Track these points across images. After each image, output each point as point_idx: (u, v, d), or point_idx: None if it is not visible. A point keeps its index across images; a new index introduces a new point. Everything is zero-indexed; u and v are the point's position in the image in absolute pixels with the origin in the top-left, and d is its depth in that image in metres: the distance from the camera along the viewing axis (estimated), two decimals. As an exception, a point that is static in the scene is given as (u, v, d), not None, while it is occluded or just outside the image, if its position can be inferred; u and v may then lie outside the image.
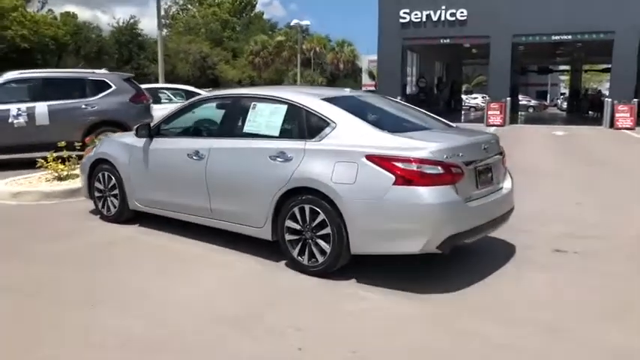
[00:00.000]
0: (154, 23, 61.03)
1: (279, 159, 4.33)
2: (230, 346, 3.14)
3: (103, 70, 10.65)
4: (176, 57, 53.01)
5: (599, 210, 6.72)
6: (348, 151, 4.03)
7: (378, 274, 4.22)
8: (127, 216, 5.72)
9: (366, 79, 48.19)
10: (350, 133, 4.15)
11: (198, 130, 5.34)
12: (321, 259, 4.14)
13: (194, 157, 4.89)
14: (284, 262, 4.45)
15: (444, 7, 22.03)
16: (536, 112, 39.44)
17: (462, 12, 21.68)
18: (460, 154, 3.97)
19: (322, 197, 4.07)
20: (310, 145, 4.25)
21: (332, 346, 3.14)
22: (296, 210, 4.23)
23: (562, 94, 56.07)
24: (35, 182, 7.58)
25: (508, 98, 21.59)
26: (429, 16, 22.35)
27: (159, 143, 5.30)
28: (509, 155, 5.17)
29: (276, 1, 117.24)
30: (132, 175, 5.52)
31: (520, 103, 38.70)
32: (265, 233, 4.48)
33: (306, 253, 4.22)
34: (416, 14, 22.51)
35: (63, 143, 7.82)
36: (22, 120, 9.22)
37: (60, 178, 7.57)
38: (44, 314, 3.55)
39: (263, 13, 72.97)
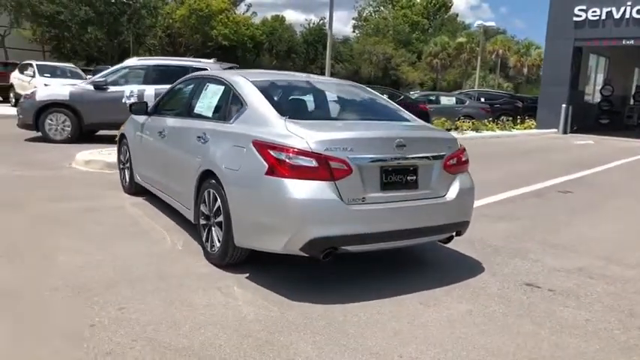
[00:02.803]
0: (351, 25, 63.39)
1: (201, 140, 4.23)
2: (48, 312, 3.16)
3: (212, 60, 11.49)
4: (360, 58, 54.60)
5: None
6: (242, 135, 3.76)
7: (283, 274, 3.90)
8: (137, 188, 6.11)
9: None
10: (254, 116, 3.87)
11: (172, 109, 5.46)
12: (217, 247, 3.95)
13: (161, 136, 5.05)
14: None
15: (629, 3, 18.83)
16: None
17: (653, 8, 18.32)
18: (349, 148, 3.40)
19: (218, 182, 3.87)
20: (224, 127, 4.07)
21: (127, 330, 2.97)
22: (205, 194, 4.09)
23: None
24: (114, 154, 8.53)
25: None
26: (609, 14, 19.34)
27: (150, 121, 5.56)
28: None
29: (485, 5, 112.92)
30: (135, 150, 5.90)
31: None
32: (190, 215, 4.42)
33: (209, 239, 4.06)
34: (594, 12, 19.65)
35: (143, 121, 8.65)
36: (132, 100, 10.44)
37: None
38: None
39: (457, 15, 71.00)
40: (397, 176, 3.60)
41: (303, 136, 3.41)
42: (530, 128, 20.39)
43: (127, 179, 6.25)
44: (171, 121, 5.01)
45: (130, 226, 5.03)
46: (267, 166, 3.43)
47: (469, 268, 4.32)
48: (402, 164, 3.61)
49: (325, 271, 4.03)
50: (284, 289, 3.63)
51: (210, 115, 4.42)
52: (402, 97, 17.15)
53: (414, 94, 21.88)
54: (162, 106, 5.56)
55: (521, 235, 5.35)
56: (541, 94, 21.74)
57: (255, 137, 3.61)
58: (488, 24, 40.09)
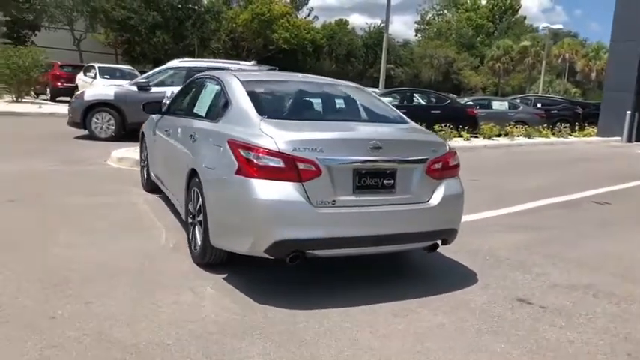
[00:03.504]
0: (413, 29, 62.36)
1: (191, 139, 4.26)
2: (17, 303, 3.26)
3: (251, 63, 11.64)
4: (421, 62, 53.76)
5: None
6: (222, 134, 3.74)
7: (262, 276, 3.86)
8: (152, 185, 6.24)
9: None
10: (236, 116, 3.84)
11: (179, 109, 5.51)
12: (198, 246, 3.95)
13: (166, 134, 5.15)
14: (196, 245, 4.35)
15: None
16: None
17: None
18: (319, 149, 3.30)
19: (199, 181, 3.87)
20: (211, 126, 4.07)
21: (83, 324, 3.00)
22: (192, 193, 4.11)
23: None
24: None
25: None
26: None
27: (162, 120, 5.67)
28: None
29: (559, 8, 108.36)
30: (149, 148, 6.05)
31: None
32: (182, 213, 4.45)
33: (193, 238, 4.08)
34: (666, 11, 18.37)
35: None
36: (173, 102, 10.75)
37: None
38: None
39: (525, 18, 68.43)
40: (372, 179, 3.46)
41: (272, 136, 3.35)
42: (590, 136, 19.29)
43: (145, 176, 6.41)
44: (175, 120, 5.09)
45: (133, 222, 5.14)
46: (237, 165, 3.40)
47: (462, 278, 4.09)
48: (378, 167, 3.47)
49: (307, 275, 3.94)
50: (257, 291, 3.58)
51: (203, 114, 4.46)
52: (448, 100, 16.71)
53: (465, 99, 21.26)
54: (172, 106, 5.65)
55: (534, 247, 5.03)
56: (603, 99, 20.53)
57: (230, 136, 3.58)
58: (554, 26, 38.24)
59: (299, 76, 4.86)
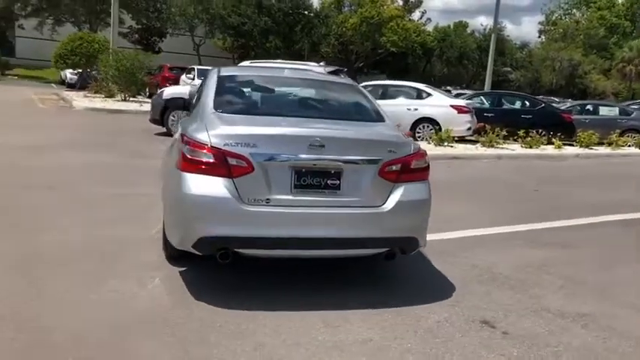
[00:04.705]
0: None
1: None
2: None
3: (321, 64, 11.60)
4: (541, 65, 50.38)
5: None
6: (181, 128, 3.75)
7: (219, 272, 3.77)
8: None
9: None
10: (198, 109, 3.82)
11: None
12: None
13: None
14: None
15: None
16: None
17: None
18: (252, 144, 3.15)
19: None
20: (184, 120, 4.10)
21: (14, 303, 3.14)
22: (167, 186, 4.16)
23: None
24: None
25: None
26: None
27: (183, 116, 5.83)
28: None
29: None
30: (176, 143, 6.25)
31: None
32: (168, 207, 4.52)
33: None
34: None
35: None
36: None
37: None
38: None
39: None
40: (314, 179, 3.24)
41: (209, 130, 3.27)
42: None
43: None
44: (181, 115, 5.21)
45: (139, 213, 5.30)
46: (178, 158, 3.37)
47: (434, 292, 3.69)
48: (320, 166, 3.23)
49: (269, 275, 3.80)
50: (204, 288, 3.52)
51: (190, 109, 4.50)
52: (542, 105, 15.36)
53: (567, 104, 19.48)
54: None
55: (550, 267, 4.43)
56: None
57: (183, 130, 3.57)
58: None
59: (284, 72, 4.74)
